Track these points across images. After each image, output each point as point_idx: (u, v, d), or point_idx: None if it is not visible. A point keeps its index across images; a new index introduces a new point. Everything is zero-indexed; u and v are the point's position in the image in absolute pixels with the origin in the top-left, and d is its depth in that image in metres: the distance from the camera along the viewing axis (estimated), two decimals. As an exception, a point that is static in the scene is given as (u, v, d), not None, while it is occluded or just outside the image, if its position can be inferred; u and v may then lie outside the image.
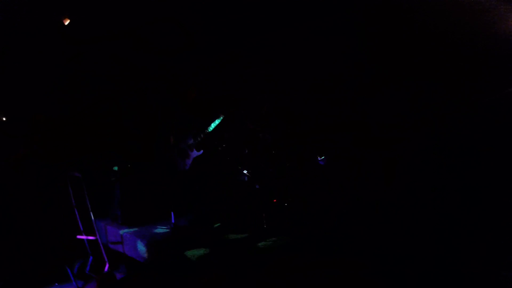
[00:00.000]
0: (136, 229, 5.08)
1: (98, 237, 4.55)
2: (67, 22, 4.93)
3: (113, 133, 6.22)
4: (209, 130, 5.12)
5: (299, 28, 5.51)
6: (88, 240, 4.54)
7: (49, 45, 5.38)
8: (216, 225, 5.18)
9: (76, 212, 4.55)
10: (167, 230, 4.93)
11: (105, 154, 5.86)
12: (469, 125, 4.70)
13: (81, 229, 4.53)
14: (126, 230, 5.04)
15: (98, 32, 5.47)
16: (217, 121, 5.14)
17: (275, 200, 5.24)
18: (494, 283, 3.04)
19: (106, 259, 4.47)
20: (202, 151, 5.16)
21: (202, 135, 5.13)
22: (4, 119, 5.41)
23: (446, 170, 4.75)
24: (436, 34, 4.78)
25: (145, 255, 4.58)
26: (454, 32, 4.63)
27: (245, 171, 5.22)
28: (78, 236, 4.54)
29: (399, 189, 4.96)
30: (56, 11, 4.85)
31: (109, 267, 4.41)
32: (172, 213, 4.95)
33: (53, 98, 5.89)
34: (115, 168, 5.39)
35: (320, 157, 5.52)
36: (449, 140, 4.85)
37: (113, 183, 5.45)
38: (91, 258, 4.47)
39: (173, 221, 4.91)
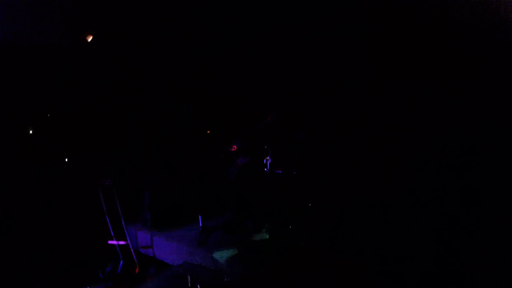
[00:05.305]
0: (165, 232, 5.16)
1: (128, 241, 4.66)
2: (90, 38, 5.01)
3: (113, 133, 6.22)
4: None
5: (299, 28, 5.50)
6: (119, 244, 4.65)
7: (49, 44, 5.38)
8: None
9: (107, 218, 4.67)
10: (196, 232, 4.95)
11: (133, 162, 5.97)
12: (469, 125, 4.70)
13: (112, 234, 4.66)
14: (156, 234, 5.12)
15: (98, 32, 5.47)
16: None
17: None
18: (494, 283, 3.04)
19: (136, 262, 4.59)
20: (248, 158, 5.05)
21: (249, 139, 5.05)
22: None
23: (446, 170, 4.75)
24: (436, 34, 4.77)
25: (174, 257, 4.66)
26: (454, 31, 4.63)
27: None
28: (110, 242, 4.67)
29: (399, 189, 4.95)
30: (56, 11, 4.85)
31: (139, 270, 4.52)
32: (200, 216, 4.97)
33: (53, 98, 5.89)
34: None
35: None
36: (449, 140, 4.84)
37: (142, 189, 5.56)
38: (121, 261, 4.61)
39: (200, 223, 4.92)
